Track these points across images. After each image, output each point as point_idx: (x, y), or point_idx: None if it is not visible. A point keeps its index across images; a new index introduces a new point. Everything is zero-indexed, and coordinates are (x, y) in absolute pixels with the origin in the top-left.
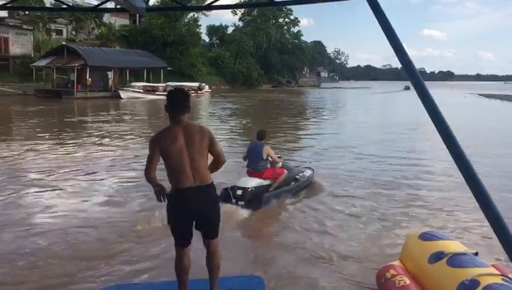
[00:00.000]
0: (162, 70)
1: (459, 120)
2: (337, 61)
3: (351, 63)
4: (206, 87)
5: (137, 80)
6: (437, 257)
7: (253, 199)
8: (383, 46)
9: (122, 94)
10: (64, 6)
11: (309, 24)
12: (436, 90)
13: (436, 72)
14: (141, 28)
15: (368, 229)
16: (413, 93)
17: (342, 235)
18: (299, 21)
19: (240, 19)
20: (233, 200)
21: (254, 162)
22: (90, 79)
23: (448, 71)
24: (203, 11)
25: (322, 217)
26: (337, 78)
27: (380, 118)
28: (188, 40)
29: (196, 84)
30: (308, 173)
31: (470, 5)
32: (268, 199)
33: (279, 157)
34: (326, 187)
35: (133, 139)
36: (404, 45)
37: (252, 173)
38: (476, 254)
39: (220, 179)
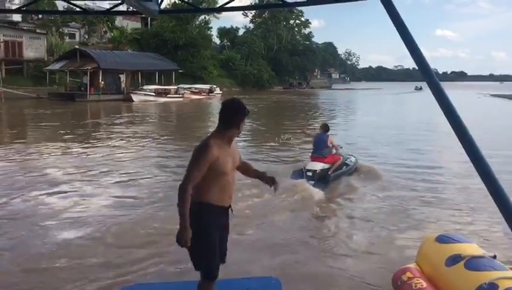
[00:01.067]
0: (173, 73)
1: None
2: (348, 62)
3: (362, 64)
4: (218, 89)
5: (149, 83)
6: (454, 260)
7: (320, 179)
8: (395, 46)
9: (135, 97)
10: (78, 9)
11: (320, 25)
12: (448, 91)
13: (449, 72)
14: (153, 31)
15: (386, 230)
16: (424, 93)
17: (364, 234)
18: (310, 22)
19: (251, 21)
20: (304, 179)
21: (320, 149)
22: (103, 82)
23: (461, 71)
24: (214, 14)
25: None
26: (348, 79)
27: (395, 119)
28: (199, 42)
29: (207, 86)
30: (353, 159)
31: (482, 5)
32: (332, 179)
33: (338, 147)
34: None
35: (147, 140)
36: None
37: (317, 158)
38: (495, 256)
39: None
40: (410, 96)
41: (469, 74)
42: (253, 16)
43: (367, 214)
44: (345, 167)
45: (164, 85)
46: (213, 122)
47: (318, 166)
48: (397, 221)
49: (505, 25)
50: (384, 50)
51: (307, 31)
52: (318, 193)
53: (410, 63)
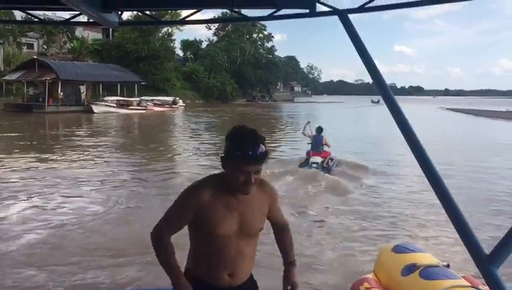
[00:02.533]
0: (136, 85)
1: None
2: (310, 76)
3: (324, 78)
4: (181, 101)
5: (110, 95)
6: (410, 269)
7: (323, 169)
8: (355, 61)
9: (95, 108)
10: (36, 19)
11: (283, 39)
12: (407, 105)
13: (407, 86)
14: (114, 43)
15: (345, 242)
16: (381, 106)
17: (324, 245)
18: (273, 36)
19: (214, 34)
20: (310, 166)
21: (318, 147)
22: (62, 93)
23: (418, 86)
24: (178, 26)
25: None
26: (310, 92)
27: (355, 130)
28: (162, 54)
29: (170, 98)
30: (336, 156)
31: (438, 23)
32: (331, 167)
33: (328, 145)
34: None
35: (104, 152)
36: (376, 61)
37: (316, 153)
38: (448, 265)
39: None
40: (369, 109)
41: (426, 88)
42: (216, 29)
43: (327, 227)
44: (331, 161)
45: (126, 97)
46: (175, 135)
47: (319, 159)
48: (356, 230)
49: (459, 42)
50: (345, 65)
51: (269, 44)
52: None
53: (369, 78)
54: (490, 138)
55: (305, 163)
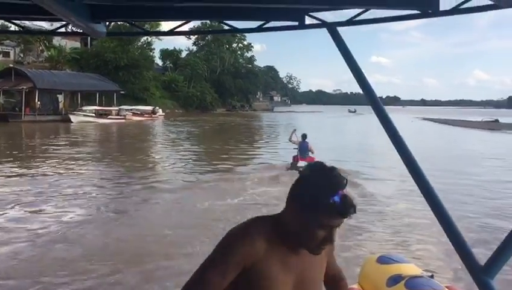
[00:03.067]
0: (114, 94)
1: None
2: (290, 86)
3: (303, 88)
4: (160, 111)
5: (89, 104)
6: (395, 280)
7: None
8: (334, 71)
9: (73, 118)
10: (16, 29)
11: (262, 49)
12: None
13: (384, 96)
14: (93, 51)
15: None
16: (358, 116)
17: None
18: (252, 46)
19: (194, 44)
20: (297, 168)
21: (304, 152)
22: (39, 102)
23: (395, 96)
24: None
25: None
26: (289, 102)
27: (337, 139)
28: (141, 63)
29: (150, 107)
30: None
31: (415, 34)
32: None
33: (312, 151)
34: None
35: (81, 162)
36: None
37: (303, 158)
38: (432, 276)
39: None
40: (347, 118)
41: (402, 98)
42: (196, 39)
43: None
44: None
45: (105, 106)
46: (154, 145)
47: (304, 164)
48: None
49: (435, 53)
50: (324, 74)
51: (249, 54)
52: None
53: (347, 88)
54: (466, 147)
55: (293, 167)
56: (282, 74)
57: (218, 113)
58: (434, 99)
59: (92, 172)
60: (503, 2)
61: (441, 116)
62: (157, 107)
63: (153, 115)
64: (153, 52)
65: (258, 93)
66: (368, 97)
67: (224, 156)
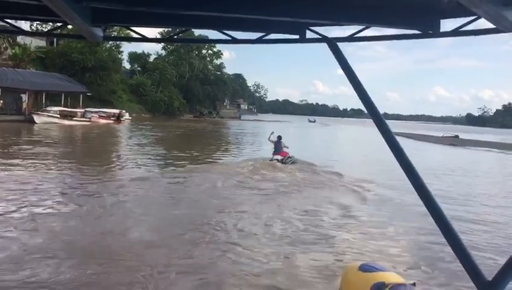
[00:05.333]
0: (81, 96)
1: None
2: (257, 94)
3: (270, 97)
4: (127, 114)
5: (53, 104)
6: (378, 288)
7: (283, 162)
8: (301, 82)
9: (37, 119)
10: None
11: (231, 57)
12: (352, 127)
13: (349, 109)
14: (59, 51)
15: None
16: (323, 127)
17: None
18: (221, 53)
19: (163, 48)
20: (274, 161)
21: (279, 149)
22: (1, 101)
23: (359, 109)
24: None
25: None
26: (255, 110)
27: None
28: (109, 65)
29: (116, 111)
30: (293, 155)
31: (379, 49)
32: (288, 162)
33: (287, 146)
34: None
35: (41, 165)
36: (320, 83)
37: (277, 153)
38: (414, 284)
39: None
40: (312, 129)
41: (366, 111)
42: (165, 43)
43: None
44: (289, 158)
45: (70, 108)
46: (120, 148)
47: (279, 157)
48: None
49: (398, 69)
50: (290, 85)
51: (218, 61)
52: (285, 165)
53: (314, 98)
54: (432, 161)
55: (271, 159)
56: (250, 83)
57: (185, 119)
58: (396, 113)
59: (49, 175)
60: (505, 27)
61: (403, 130)
62: (123, 111)
63: (120, 119)
64: (121, 55)
65: (226, 100)
66: (369, 111)
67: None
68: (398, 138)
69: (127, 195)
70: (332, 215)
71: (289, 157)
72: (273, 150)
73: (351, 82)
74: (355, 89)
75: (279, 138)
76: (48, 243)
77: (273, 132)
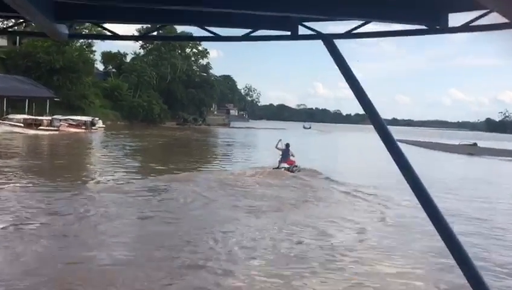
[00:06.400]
0: (47, 101)
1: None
2: (248, 98)
3: (263, 101)
4: (100, 122)
5: (17, 112)
6: None
7: (289, 170)
8: (298, 84)
9: None
10: None
11: (218, 56)
12: (353, 134)
13: (352, 114)
14: (22, 51)
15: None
16: (324, 135)
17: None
18: (208, 52)
19: (141, 47)
20: (282, 169)
21: (286, 157)
22: None
23: (365, 114)
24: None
25: None
26: (247, 116)
27: None
28: (79, 67)
29: (88, 118)
30: (299, 164)
31: (386, 46)
32: (295, 170)
33: (294, 155)
34: None
35: None
36: (320, 84)
37: (284, 161)
38: None
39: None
40: (314, 137)
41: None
42: (144, 41)
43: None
44: (295, 167)
45: (35, 115)
46: (91, 161)
47: (286, 165)
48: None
49: (408, 69)
50: (287, 87)
51: (204, 61)
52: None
53: (312, 103)
54: (447, 173)
55: (278, 167)
56: (240, 85)
57: (167, 126)
58: (406, 118)
59: (10, 192)
60: None
61: (414, 137)
62: (96, 118)
63: (92, 127)
64: (94, 55)
65: (213, 105)
66: (368, 114)
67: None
68: (409, 147)
69: (97, 213)
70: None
71: (295, 166)
72: (280, 157)
73: (349, 84)
74: (353, 91)
75: (287, 145)
76: (1, 270)
77: (280, 140)
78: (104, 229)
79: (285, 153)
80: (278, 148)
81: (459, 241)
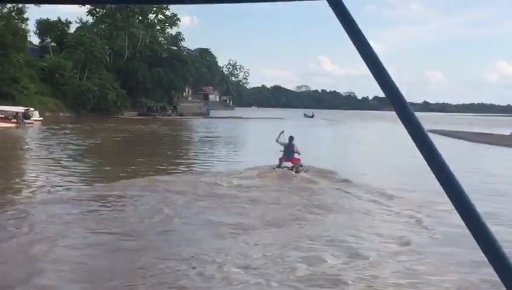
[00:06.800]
0: None
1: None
2: (233, 79)
3: (254, 83)
4: (36, 114)
5: None
6: None
7: (292, 170)
8: (299, 59)
9: None
10: None
11: (193, 24)
12: (374, 124)
13: (371, 97)
14: None
15: None
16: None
17: None
18: (178, 19)
19: (89, 13)
20: (284, 169)
21: (289, 153)
22: None
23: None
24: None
25: None
26: (231, 103)
27: None
28: (7, 41)
29: (20, 109)
30: (304, 164)
31: (414, 8)
32: (300, 170)
33: (299, 153)
34: None
35: None
36: (328, 60)
37: (287, 159)
38: None
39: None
40: (313, 130)
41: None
42: (92, 6)
43: None
44: (301, 166)
45: None
46: (24, 169)
47: (289, 164)
48: None
49: (441, 36)
50: (284, 64)
51: (174, 31)
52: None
53: (317, 84)
54: (493, 173)
55: (279, 167)
56: (222, 62)
57: (126, 118)
58: (441, 102)
59: None
60: None
61: (450, 127)
62: (31, 109)
63: (25, 121)
64: (27, 24)
65: (187, 89)
66: (390, 98)
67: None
68: (444, 140)
69: (30, 232)
70: None
71: (300, 165)
72: (282, 154)
73: (363, 58)
74: (370, 69)
75: (291, 139)
76: None
77: (283, 131)
78: (37, 253)
79: (288, 149)
80: (279, 143)
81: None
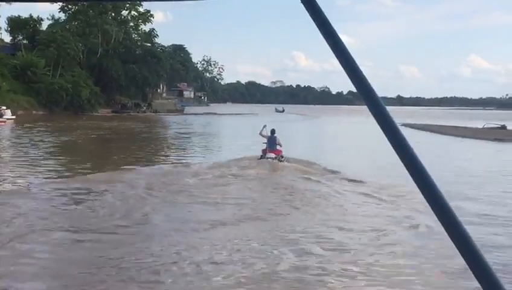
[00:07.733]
0: None
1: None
2: (208, 75)
3: (228, 78)
4: (9, 112)
5: None
6: None
7: (276, 160)
8: (273, 54)
9: None
10: None
11: (167, 20)
12: (349, 119)
13: (345, 92)
14: None
15: None
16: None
17: None
18: (152, 15)
19: (61, 9)
20: (268, 160)
21: (272, 145)
22: None
23: None
24: None
25: None
26: (205, 99)
27: None
28: None
29: None
30: (285, 154)
31: (386, 2)
32: (282, 160)
33: (281, 145)
34: None
35: None
36: (302, 55)
37: (271, 151)
38: None
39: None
40: (296, 124)
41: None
42: (64, 2)
43: None
44: (282, 157)
45: None
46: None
47: (273, 155)
48: None
49: (416, 31)
50: (258, 59)
51: (147, 27)
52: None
53: (292, 79)
54: (469, 166)
55: (263, 157)
56: (196, 58)
57: (100, 115)
58: (414, 96)
59: None
60: None
61: (424, 120)
62: (3, 107)
63: None
64: None
65: (161, 86)
66: (359, 90)
67: None
68: (417, 133)
69: None
70: None
71: (282, 156)
72: (266, 146)
73: (333, 50)
74: (339, 59)
75: (273, 132)
76: None
77: (265, 125)
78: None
79: (271, 141)
80: (262, 135)
81: (484, 261)
